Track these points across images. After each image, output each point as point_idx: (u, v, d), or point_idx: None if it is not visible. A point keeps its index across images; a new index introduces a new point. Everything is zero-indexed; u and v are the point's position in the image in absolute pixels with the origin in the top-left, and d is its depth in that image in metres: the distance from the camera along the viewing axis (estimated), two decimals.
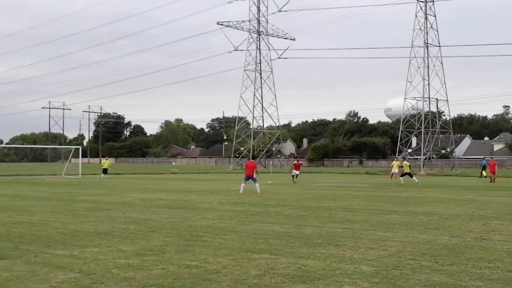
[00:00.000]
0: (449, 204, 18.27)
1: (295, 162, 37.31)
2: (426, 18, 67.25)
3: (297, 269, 7.61)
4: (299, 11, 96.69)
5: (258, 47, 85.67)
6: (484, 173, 47.94)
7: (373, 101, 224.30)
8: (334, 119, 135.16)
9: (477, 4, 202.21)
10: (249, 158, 25.76)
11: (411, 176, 33.67)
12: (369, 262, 8.12)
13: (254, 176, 24.08)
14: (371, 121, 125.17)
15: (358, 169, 76.59)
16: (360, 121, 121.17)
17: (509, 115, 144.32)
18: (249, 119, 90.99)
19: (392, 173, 39.30)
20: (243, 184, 23.95)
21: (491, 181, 37.95)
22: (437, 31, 68.16)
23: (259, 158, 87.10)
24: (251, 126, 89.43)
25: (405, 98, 68.47)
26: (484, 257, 8.52)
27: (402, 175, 33.81)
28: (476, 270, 7.59)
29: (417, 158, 70.31)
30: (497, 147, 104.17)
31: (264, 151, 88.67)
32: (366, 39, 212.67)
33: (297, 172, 35.59)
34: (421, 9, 67.51)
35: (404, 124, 68.57)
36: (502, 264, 8.01)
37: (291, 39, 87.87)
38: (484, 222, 13.22)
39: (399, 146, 68.62)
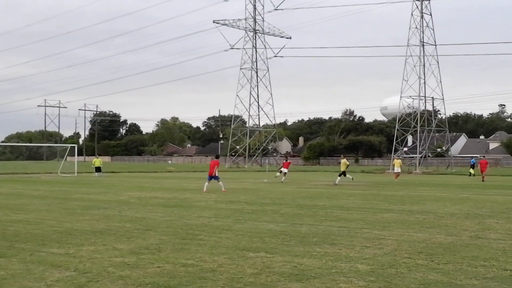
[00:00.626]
0: (444, 203, 18.32)
1: (284, 161, 37.10)
2: (422, 17, 67.35)
3: (293, 267, 7.62)
4: (295, 9, 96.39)
5: (254, 45, 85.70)
6: (471, 171, 48.25)
7: (369, 99, 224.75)
8: (330, 118, 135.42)
9: (473, 3, 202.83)
10: (212, 158, 25.79)
11: (342, 175, 31.53)
12: (365, 260, 8.13)
13: (216, 175, 24.00)
14: (367, 120, 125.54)
15: (354, 168, 76.52)
16: (356, 120, 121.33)
17: (505, 114, 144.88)
18: (245, 117, 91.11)
19: (395, 172, 39.67)
20: (206, 183, 23.90)
21: (482, 179, 38.11)
22: (433, 30, 68.35)
23: (255, 156, 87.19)
24: (247, 125, 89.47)
25: (401, 97, 68.59)
26: (480, 256, 8.55)
27: (340, 174, 31.72)
28: (471, 269, 7.61)
29: (413, 157, 70.47)
30: (492, 145, 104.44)
31: (260, 149, 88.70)
32: (362, 38, 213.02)
33: (285, 170, 34.88)
34: (417, 7, 67.64)
35: (400, 123, 68.67)
36: (497, 263, 8.03)
37: (287, 38, 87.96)
38: (480, 220, 13.26)
39: (395, 145, 68.72)
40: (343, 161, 32.34)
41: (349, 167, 32.77)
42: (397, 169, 39.90)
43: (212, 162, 24.42)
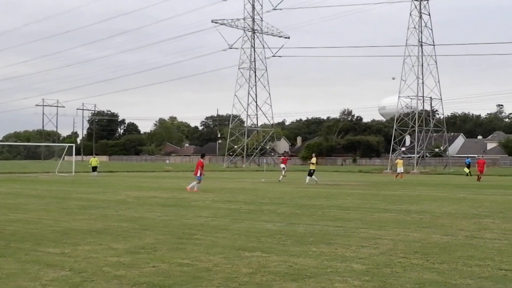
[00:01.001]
0: (442, 203, 18.34)
1: (282, 157, 38.86)
2: (420, 16, 67.37)
3: (289, 267, 7.62)
4: (294, 9, 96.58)
5: (253, 45, 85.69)
6: (466, 170, 48.36)
7: (369, 99, 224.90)
8: (328, 118, 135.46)
9: (472, 3, 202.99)
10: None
11: (310, 175, 31.06)
12: (361, 260, 8.14)
13: (198, 175, 23.98)
14: (365, 120, 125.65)
15: (352, 167, 76.76)
16: (354, 120, 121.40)
17: (503, 114, 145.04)
18: (243, 117, 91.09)
19: (398, 172, 39.90)
20: (198, 184, 23.99)
21: (478, 179, 38.14)
22: (432, 30, 68.38)
23: (253, 156, 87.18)
24: (245, 124, 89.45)
25: (399, 97, 68.61)
26: (475, 255, 8.56)
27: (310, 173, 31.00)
28: (466, 268, 7.62)
29: (410, 157, 70.50)
30: (490, 145, 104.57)
31: (258, 149, 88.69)
32: (361, 38, 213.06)
33: (283, 166, 36.38)
34: (416, 7, 67.66)
35: (398, 123, 68.69)
36: (493, 262, 8.05)
37: (286, 37, 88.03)
38: (476, 220, 13.27)
39: (393, 145, 68.75)
40: (314, 159, 32.01)
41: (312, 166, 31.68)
42: (400, 169, 40.08)
43: (197, 162, 24.56)
